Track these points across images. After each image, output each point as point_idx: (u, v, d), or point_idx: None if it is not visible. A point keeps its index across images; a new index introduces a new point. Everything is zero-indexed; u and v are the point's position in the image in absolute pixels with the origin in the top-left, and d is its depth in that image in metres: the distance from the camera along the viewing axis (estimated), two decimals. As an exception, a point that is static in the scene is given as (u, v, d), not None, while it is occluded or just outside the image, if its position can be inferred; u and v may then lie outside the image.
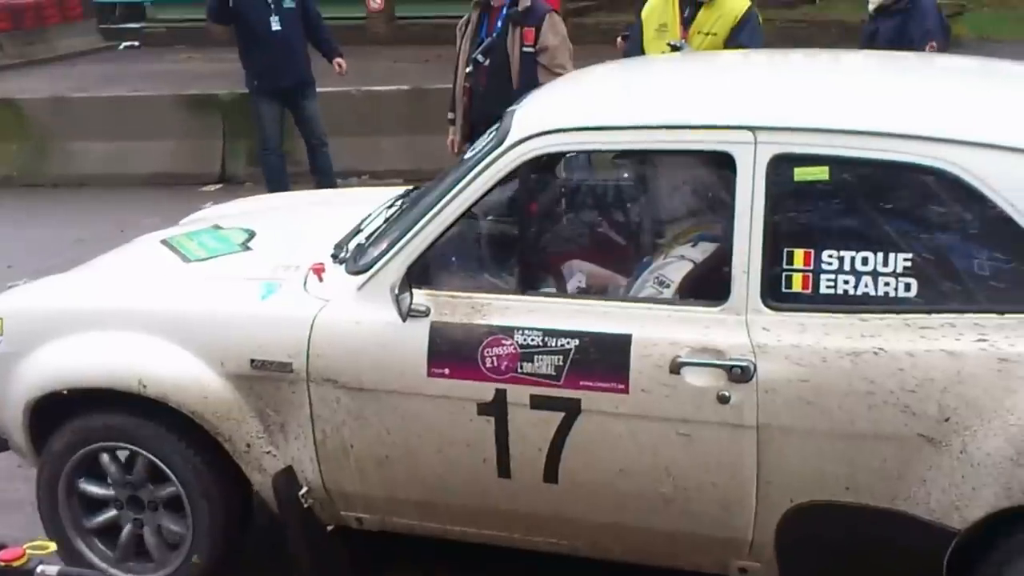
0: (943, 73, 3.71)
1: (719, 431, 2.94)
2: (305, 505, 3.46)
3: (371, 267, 3.28)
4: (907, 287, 2.81)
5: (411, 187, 4.21)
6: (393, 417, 3.26)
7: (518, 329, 3.09)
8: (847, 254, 2.85)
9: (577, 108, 3.35)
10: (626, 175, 3.87)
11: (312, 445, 3.39)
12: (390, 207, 3.84)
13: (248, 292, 3.47)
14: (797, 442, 2.88)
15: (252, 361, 3.35)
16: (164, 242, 4.12)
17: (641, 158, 3.66)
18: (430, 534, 3.49)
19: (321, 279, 3.42)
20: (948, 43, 6.30)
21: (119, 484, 3.66)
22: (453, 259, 3.37)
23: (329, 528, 3.57)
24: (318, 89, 8.28)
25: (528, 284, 3.21)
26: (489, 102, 5.51)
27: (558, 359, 3.04)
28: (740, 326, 2.90)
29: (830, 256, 2.86)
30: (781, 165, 2.90)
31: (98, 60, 19.66)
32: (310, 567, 3.52)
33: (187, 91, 11.06)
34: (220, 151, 10.16)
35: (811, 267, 2.88)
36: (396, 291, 3.08)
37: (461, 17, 6.16)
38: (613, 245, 3.71)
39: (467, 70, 5.92)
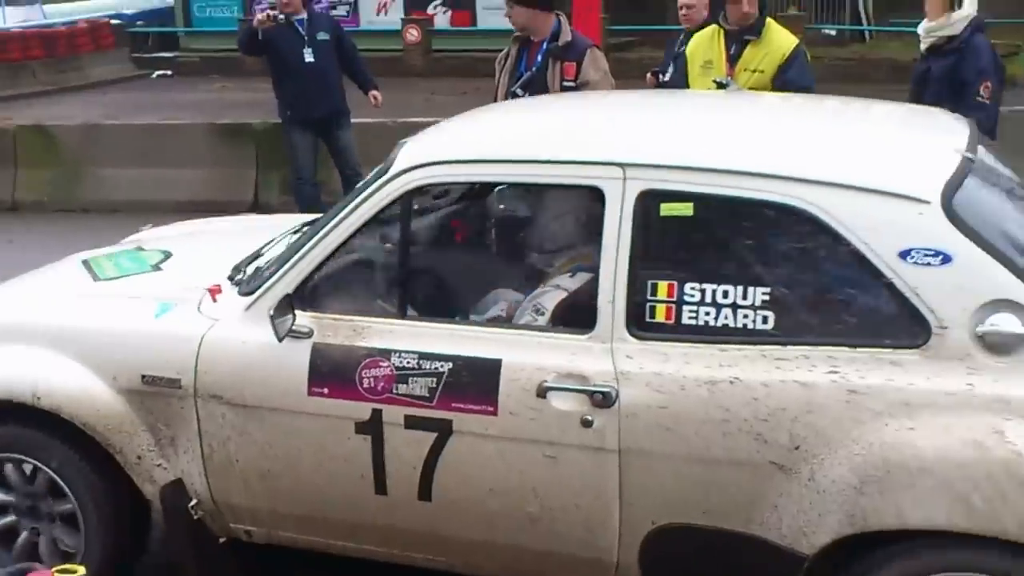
0: (814, 114, 3.81)
1: (583, 454, 3.01)
2: (195, 517, 3.53)
3: (258, 289, 3.36)
4: (765, 320, 2.90)
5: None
6: (275, 433, 3.33)
7: (395, 352, 3.16)
8: (708, 287, 2.93)
9: (458, 142, 3.44)
10: (514, 207, 3.95)
11: (200, 459, 3.46)
12: (295, 232, 3.92)
13: (143, 310, 3.54)
14: (657, 466, 2.96)
15: (143, 376, 3.43)
16: (84, 261, 4.20)
17: (528, 191, 3.75)
18: (314, 548, 3.55)
19: (215, 300, 3.50)
20: (1002, 83, 6.08)
21: (20, 493, 3.72)
22: (339, 284, 3.44)
23: (221, 540, 3.63)
24: (353, 120, 8.28)
25: (408, 309, 3.29)
26: None
27: (432, 381, 3.12)
28: (605, 354, 2.98)
29: (692, 288, 2.95)
30: (648, 200, 2.98)
31: (130, 88, 19.75)
32: (196, 577, 3.59)
33: (220, 120, 11.03)
34: (253, 180, 10.10)
35: (674, 299, 2.96)
36: (272, 313, 3.16)
37: (499, 51, 6.14)
38: (499, 274, 3.78)
39: None
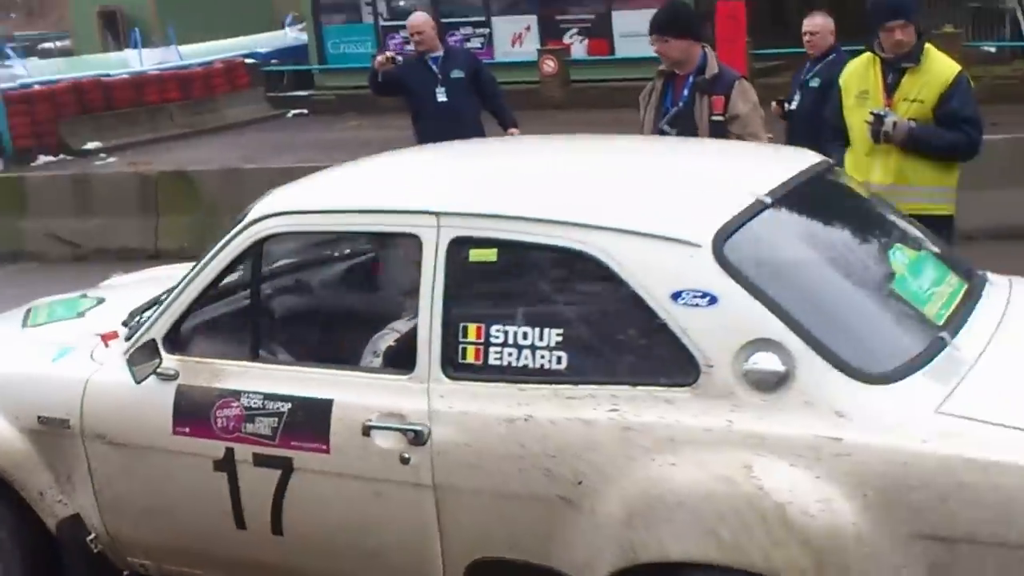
0: (627, 156, 3.98)
1: (403, 490, 3.19)
2: (95, 550, 3.81)
3: (135, 335, 3.65)
4: (559, 360, 3.05)
5: None
6: (150, 470, 3.60)
7: (244, 393, 3.41)
8: (511, 329, 3.10)
9: (304, 194, 3.70)
10: (360, 255, 4.18)
11: (93, 495, 3.75)
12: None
13: (44, 355, 3.87)
14: (468, 501, 3.13)
15: (39, 417, 3.75)
16: (28, 308, 4.57)
17: (378, 239, 3.97)
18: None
19: (107, 345, 3.80)
20: None
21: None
22: (204, 328, 3.70)
23: (125, 573, 3.91)
24: None
25: (258, 352, 3.53)
26: None
27: (274, 421, 3.35)
28: (422, 394, 3.17)
29: (497, 331, 3.12)
30: (459, 247, 3.17)
31: (267, 129, 19.92)
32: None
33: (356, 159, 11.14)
34: None
35: (482, 340, 3.13)
36: (129, 357, 3.44)
37: (638, 79, 5.99)
38: (347, 317, 4.00)
39: None
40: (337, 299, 4.15)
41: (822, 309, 2.96)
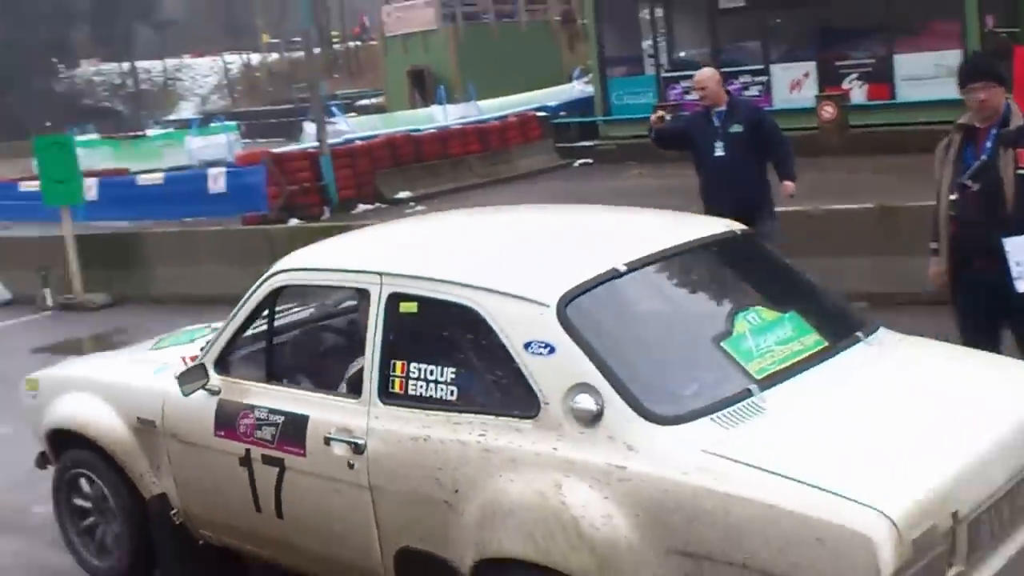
0: (522, 226, 4.79)
1: (351, 489, 4.07)
2: (177, 522, 4.94)
3: (200, 360, 4.74)
4: (451, 392, 3.84)
5: None
6: (203, 463, 4.68)
7: (256, 407, 4.41)
8: (423, 366, 3.92)
9: (303, 256, 4.63)
10: (346, 303, 5.06)
11: (173, 479, 4.88)
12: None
13: (149, 370, 5.04)
14: (391, 500, 3.97)
15: (138, 418, 4.92)
16: (171, 333, 5.81)
17: (345, 293, 4.85)
18: (244, 552, 4.84)
19: (186, 365, 4.92)
20: None
21: (93, 499, 5.33)
22: (241, 356, 4.72)
23: (200, 542, 5.01)
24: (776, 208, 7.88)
25: (270, 376, 4.51)
26: (978, 230, 5.11)
27: (273, 429, 4.33)
28: (364, 415, 4.04)
29: (415, 367, 3.95)
30: (393, 300, 4.03)
31: (556, 177, 21.28)
32: (181, 572, 5.00)
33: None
34: None
35: (404, 374, 3.97)
36: (178, 377, 4.52)
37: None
38: (335, 350, 4.88)
39: (951, 197, 5.25)
40: (326, 337, 5.08)
41: (637, 362, 3.59)
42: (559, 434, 3.52)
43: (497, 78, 32.84)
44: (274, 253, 9.81)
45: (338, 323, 5.14)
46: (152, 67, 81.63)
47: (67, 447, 5.35)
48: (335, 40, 68.67)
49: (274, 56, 72.14)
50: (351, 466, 4.04)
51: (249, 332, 4.66)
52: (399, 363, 4.00)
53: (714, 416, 3.42)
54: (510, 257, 4.17)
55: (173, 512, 4.94)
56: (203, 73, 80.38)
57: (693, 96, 8.10)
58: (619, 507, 3.33)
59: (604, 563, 3.34)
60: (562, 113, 26.10)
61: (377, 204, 20.01)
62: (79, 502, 5.40)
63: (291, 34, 67.78)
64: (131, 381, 5.08)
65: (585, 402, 3.47)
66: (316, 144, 20.93)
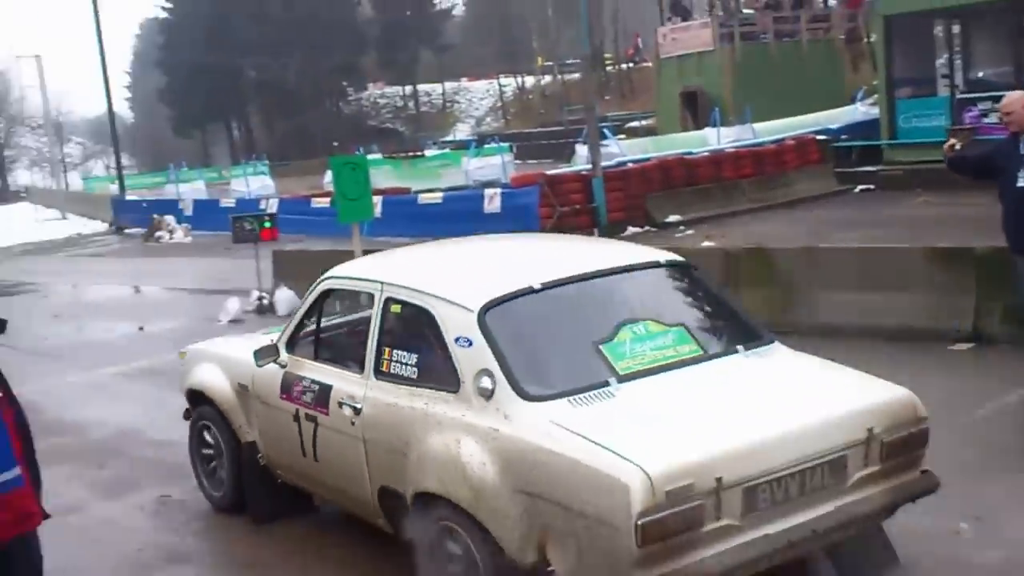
0: (484, 251, 6.19)
1: (353, 441, 5.51)
2: (263, 464, 6.54)
3: (275, 341, 6.31)
4: (414, 371, 5.22)
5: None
6: (275, 419, 6.24)
7: (305, 378, 5.93)
8: (399, 351, 5.32)
9: (343, 268, 6.10)
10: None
11: (258, 431, 6.48)
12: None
13: (249, 349, 6.65)
14: (375, 449, 5.37)
15: (239, 383, 6.56)
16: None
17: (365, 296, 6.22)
18: (304, 489, 6.37)
19: (272, 344, 6.51)
20: None
21: (213, 446, 7.02)
22: (301, 339, 6.24)
23: (279, 480, 6.58)
24: None
25: (317, 355, 6.01)
26: None
27: (312, 395, 5.83)
28: (364, 386, 5.47)
29: (396, 353, 5.35)
30: (389, 303, 5.46)
31: (833, 204, 20.59)
32: (264, 503, 6.60)
33: (934, 242, 10.30)
34: (972, 308, 9.37)
35: (390, 357, 5.39)
36: (255, 352, 6.10)
37: None
38: (357, 338, 6.23)
39: None
40: (353, 329, 6.47)
41: (526, 356, 4.83)
42: (468, 405, 4.83)
43: (774, 100, 32.18)
44: None
45: (361, 320, 6.60)
46: (432, 90, 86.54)
47: (198, 403, 7.07)
48: (608, 62, 69.76)
49: (547, 79, 74.30)
50: (353, 424, 5.48)
51: (310, 323, 6.19)
52: (387, 349, 5.42)
53: (571, 398, 4.62)
54: (459, 274, 5.54)
55: (259, 456, 6.54)
56: (479, 95, 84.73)
57: (991, 119, 8.27)
58: (491, 457, 4.61)
59: (478, 497, 4.62)
60: (843, 136, 25.39)
61: (647, 227, 20.00)
62: (205, 450, 7.10)
63: (565, 57, 70.66)
64: (237, 355, 6.72)
65: (485, 383, 4.77)
66: (588, 166, 21.26)
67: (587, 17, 27.02)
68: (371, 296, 5.66)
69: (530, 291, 5.09)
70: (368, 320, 5.78)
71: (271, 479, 6.60)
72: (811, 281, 10.44)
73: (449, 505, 4.78)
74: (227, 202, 32.31)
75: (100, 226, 39.65)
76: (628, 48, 70.10)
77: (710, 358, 5.02)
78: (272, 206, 25.92)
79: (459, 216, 20.25)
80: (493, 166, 33.61)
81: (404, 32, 79.03)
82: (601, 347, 4.90)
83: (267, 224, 15.28)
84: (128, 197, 40.95)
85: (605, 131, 28.55)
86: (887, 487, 4.75)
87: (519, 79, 77.72)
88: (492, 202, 20.54)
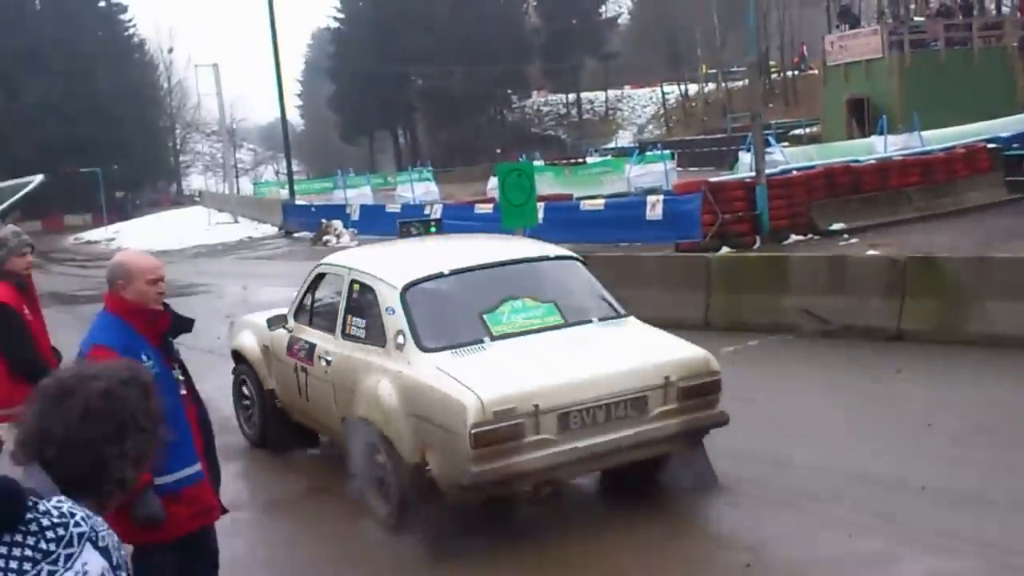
0: (431, 248, 8.09)
1: (326, 384, 7.46)
2: (279, 407, 8.59)
3: (284, 312, 8.35)
4: (363, 332, 7.16)
5: None
6: (283, 370, 8.27)
7: (301, 339, 7.94)
8: (356, 319, 7.28)
9: (330, 257, 8.08)
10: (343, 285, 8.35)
11: (275, 380, 8.53)
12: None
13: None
14: (339, 391, 7.33)
15: (263, 345, 8.63)
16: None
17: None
18: (304, 424, 8.39)
19: (289, 316, 8.56)
20: None
21: (249, 396, 9.10)
22: (301, 311, 8.23)
23: (295, 421, 8.61)
24: None
25: (311, 323, 8.00)
26: None
27: (304, 352, 7.84)
28: (334, 344, 7.45)
29: (354, 319, 7.31)
30: (352, 283, 7.42)
31: (1004, 213, 20.26)
32: (281, 437, 8.65)
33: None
34: None
35: (351, 323, 7.35)
36: (267, 320, 8.15)
37: None
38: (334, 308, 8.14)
39: None
40: (334, 303, 8.38)
41: (429, 322, 6.71)
42: (388, 355, 6.75)
43: (944, 108, 31.56)
44: (710, 281, 12.48)
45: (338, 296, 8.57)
46: (595, 97, 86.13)
47: (239, 362, 9.17)
48: (773, 69, 68.57)
49: (710, 86, 73.11)
50: (326, 372, 7.46)
51: (309, 299, 8.21)
52: (349, 316, 7.38)
53: (454, 351, 6.49)
54: (396, 263, 7.48)
55: (276, 400, 8.59)
56: (641, 103, 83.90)
57: None
58: (396, 391, 6.52)
59: (386, 419, 6.54)
60: (1014, 145, 24.88)
61: (810, 235, 19.65)
62: (244, 400, 9.19)
63: (729, 64, 68.73)
64: (262, 323, 8.78)
65: (400, 339, 6.69)
66: (752, 174, 20.82)
67: (755, 24, 26.61)
68: (343, 278, 7.64)
69: (440, 275, 7.01)
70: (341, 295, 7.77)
71: (286, 418, 8.64)
72: (981, 291, 10.32)
73: (372, 425, 6.72)
74: (392, 207, 32.30)
75: (270, 230, 40.47)
76: (794, 56, 68.21)
77: (568, 326, 6.84)
78: (436, 211, 25.97)
79: (621, 223, 20.29)
80: (655, 173, 33.33)
81: (569, 40, 79.45)
82: (484, 316, 6.77)
83: (433, 229, 15.09)
84: (297, 202, 41.83)
85: (769, 138, 27.94)
86: (682, 420, 6.50)
87: (682, 86, 76.36)
88: (654, 209, 20.14)
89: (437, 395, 6.22)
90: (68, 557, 2.03)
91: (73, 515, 2.07)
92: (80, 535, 2.06)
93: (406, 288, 6.88)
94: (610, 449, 6.28)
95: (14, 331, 5.76)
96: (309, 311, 8.13)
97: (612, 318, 7.06)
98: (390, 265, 7.48)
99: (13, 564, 1.99)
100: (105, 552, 2.09)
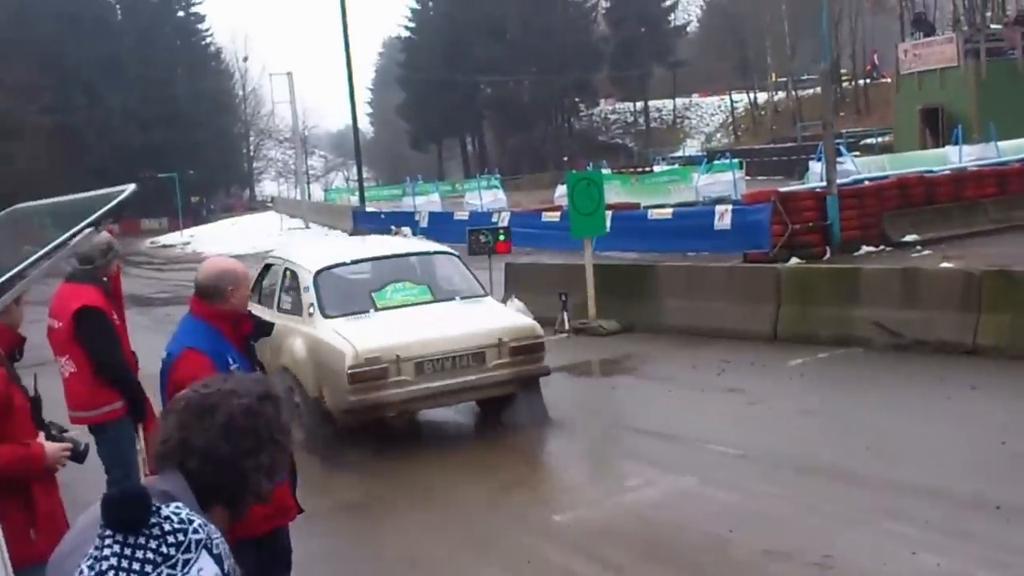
0: (353, 245, 10.93)
1: (265, 346, 10.00)
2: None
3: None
4: (290, 306, 9.66)
5: None
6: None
7: (256, 316, 10.45)
8: (286, 297, 9.79)
9: (275, 253, 10.63)
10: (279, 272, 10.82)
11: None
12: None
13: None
14: (272, 349, 9.85)
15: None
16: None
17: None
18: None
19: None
20: None
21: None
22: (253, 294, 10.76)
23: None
24: None
25: (259, 303, 10.48)
26: None
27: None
28: (273, 317, 9.88)
29: (284, 297, 9.81)
30: (286, 270, 9.95)
31: None
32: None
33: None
34: None
35: (283, 300, 9.84)
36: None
37: None
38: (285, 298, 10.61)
39: None
40: (275, 289, 10.81)
41: (332, 297, 9.18)
42: (303, 321, 9.24)
43: (1020, 117, 31.29)
44: (779, 292, 12.44)
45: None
46: (663, 106, 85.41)
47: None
48: (844, 78, 67.23)
49: (780, 95, 72.45)
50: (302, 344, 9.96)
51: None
52: (283, 295, 9.88)
53: (347, 317, 8.97)
54: (316, 255, 10.01)
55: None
56: (709, 111, 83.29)
57: None
58: (305, 346, 9.01)
59: (297, 367, 9.04)
60: None
61: (882, 247, 19.27)
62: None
63: (799, 73, 68.02)
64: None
65: (311, 310, 9.18)
66: (823, 183, 20.35)
67: (828, 32, 26.13)
68: (280, 268, 10.14)
69: (343, 263, 9.55)
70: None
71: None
72: None
73: (289, 371, 9.21)
74: (460, 215, 32.39)
75: (340, 235, 39.10)
76: (866, 65, 68.28)
77: (436, 302, 9.31)
78: (504, 219, 25.84)
79: (689, 232, 20.06)
80: (724, 182, 32.60)
81: (638, 48, 79.33)
82: (372, 293, 9.26)
83: (502, 237, 15.15)
84: (367, 208, 42.47)
85: (841, 148, 27.42)
86: (513, 370, 8.94)
87: (751, 95, 76.08)
88: (723, 218, 19.84)
89: (329, 347, 8.72)
90: (186, 563, 2.05)
91: (191, 521, 2.08)
92: (198, 541, 2.07)
93: (318, 272, 9.38)
94: (455, 389, 8.75)
95: (104, 335, 5.97)
96: (258, 295, 10.58)
97: (472, 297, 9.49)
98: (310, 256, 10.02)
99: (136, 566, 2.01)
100: (218, 560, 2.10)
